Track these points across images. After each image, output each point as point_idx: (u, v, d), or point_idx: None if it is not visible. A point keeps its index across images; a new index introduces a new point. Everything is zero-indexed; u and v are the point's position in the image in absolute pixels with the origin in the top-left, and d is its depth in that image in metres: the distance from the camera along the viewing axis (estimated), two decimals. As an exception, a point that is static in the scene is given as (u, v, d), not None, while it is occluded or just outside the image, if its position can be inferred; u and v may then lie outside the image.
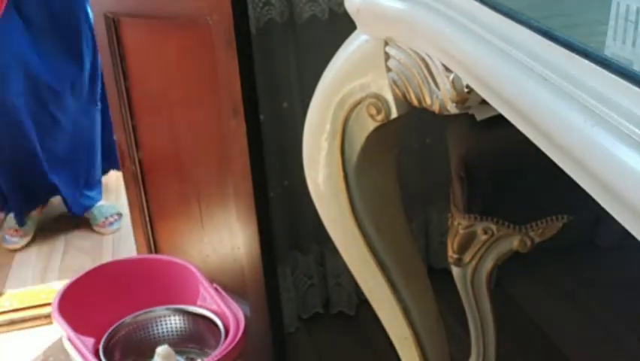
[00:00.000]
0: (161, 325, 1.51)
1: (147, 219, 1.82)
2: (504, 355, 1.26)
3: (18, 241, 2.33)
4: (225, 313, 1.42)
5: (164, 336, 1.50)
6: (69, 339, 1.38)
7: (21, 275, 2.22)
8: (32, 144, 2.22)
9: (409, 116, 0.90)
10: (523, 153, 0.76)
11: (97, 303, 1.52)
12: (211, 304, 1.48)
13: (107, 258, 2.21)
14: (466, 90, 0.72)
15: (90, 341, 1.42)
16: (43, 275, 2.20)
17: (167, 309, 1.51)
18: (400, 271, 1.01)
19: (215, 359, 1.29)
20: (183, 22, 1.47)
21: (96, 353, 1.39)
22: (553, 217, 1.10)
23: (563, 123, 0.49)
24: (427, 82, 0.78)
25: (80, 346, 1.36)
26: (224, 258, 1.65)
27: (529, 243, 1.11)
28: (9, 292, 2.11)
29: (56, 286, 1.58)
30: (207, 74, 1.44)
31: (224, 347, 1.33)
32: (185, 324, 1.51)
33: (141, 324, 1.50)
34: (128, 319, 1.49)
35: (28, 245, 2.35)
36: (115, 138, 1.78)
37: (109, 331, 1.45)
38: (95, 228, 2.40)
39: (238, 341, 1.33)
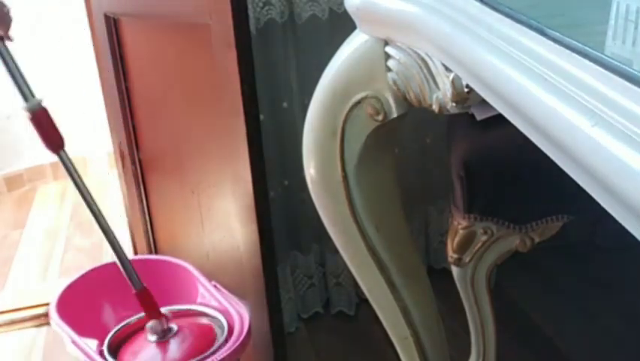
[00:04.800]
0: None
1: (147, 219, 1.82)
2: (504, 355, 1.26)
3: None
4: (228, 310, 1.42)
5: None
6: (73, 342, 1.37)
7: (21, 275, 2.22)
8: None
9: (408, 116, 0.90)
10: (523, 152, 0.75)
11: (97, 303, 1.52)
12: (212, 302, 1.48)
13: (107, 258, 2.21)
14: (466, 90, 0.72)
15: (93, 342, 1.41)
16: (44, 275, 2.20)
17: (170, 309, 1.51)
18: (399, 271, 1.01)
19: (224, 354, 1.29)
20: (183, 22, 1.47)
21: (101, 354, 1.38)
22: (553, 217, 1.10)
23: (563, 123, 0.49)
24: (427, 82, 0.78)
25: (87, 349, 1.36)
26: (224, 258, 1.65)
27: (529, 243, 1.11)
28: (9, 292, 2.11)
29: (56, 286, 1.57)
30: (207, 74, 1.44)
31: (231, 342, 1.33)
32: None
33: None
34: (132, 320, 1.49)
35: (28, 245, 2.35)
36: (115, 138, 1.78)
37: (112, 332, 1.45)
38: None
39: (245, 337, 1.34)
